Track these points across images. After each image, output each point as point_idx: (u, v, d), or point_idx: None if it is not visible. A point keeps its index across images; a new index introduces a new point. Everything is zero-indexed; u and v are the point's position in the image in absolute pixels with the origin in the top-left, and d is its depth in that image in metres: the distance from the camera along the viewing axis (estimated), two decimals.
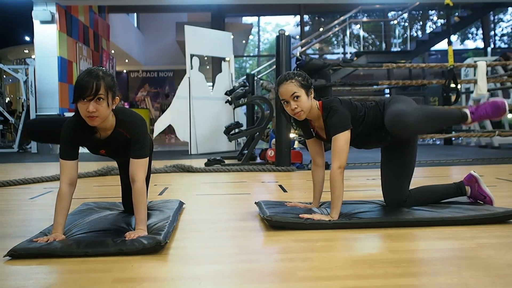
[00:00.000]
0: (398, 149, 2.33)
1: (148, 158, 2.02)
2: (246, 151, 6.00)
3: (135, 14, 18.96)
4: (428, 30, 18.71)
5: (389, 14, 15.69)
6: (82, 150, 2.07)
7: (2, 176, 4.68)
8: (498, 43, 20.67)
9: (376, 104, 2.33)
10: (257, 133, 5.81)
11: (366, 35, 17.84)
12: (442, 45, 13.79)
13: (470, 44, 22.43)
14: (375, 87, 10.30)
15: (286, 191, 3.44)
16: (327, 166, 3.84)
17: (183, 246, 1.87)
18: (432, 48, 14.55)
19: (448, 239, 1.91)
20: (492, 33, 19.43)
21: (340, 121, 2.18)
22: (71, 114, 2.05)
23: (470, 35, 22.20)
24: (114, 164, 2.88)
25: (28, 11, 8.85)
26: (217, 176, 4.54)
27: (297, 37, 18.29)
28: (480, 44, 19.32)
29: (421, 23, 20.91)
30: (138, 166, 1.96)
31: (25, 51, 15.20)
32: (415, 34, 19.84)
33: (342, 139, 2.17)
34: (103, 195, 3.26)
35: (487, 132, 6.99)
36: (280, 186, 3.74)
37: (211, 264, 1.63)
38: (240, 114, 8.38)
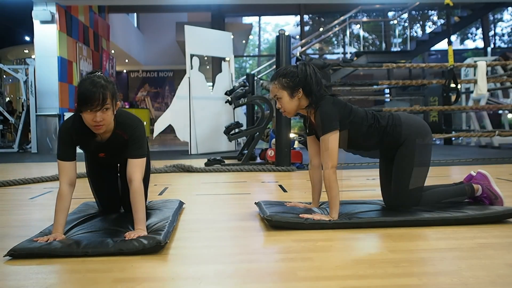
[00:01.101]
0: (398, 152, 2.29)
1: (145, 158, 2.02)
2: (246, 151, 6.00)
3: (135, 14, 18.97)
4: (428, 30, 18.71)
5: (389, 14, 15.69)
6: (80, 150, 2.07)
7: (2, 176, 4.68)
8: (498, 43, 20.69)
9: (387, 129, 2.26)
10: (257, 133, 5.81)
11: (366, 35, 17.85)
12: (442, 45, 13.80)
13: (470, 44, 22.45)
14: (375, 87, 10.30)
15: (286, 191, 3.44)
16: None
17: (183, 246, 1.87)
18: (432, 48, 14.56)
19: (448, 239, 1.91)
20: (492, 33, 19.45)
21: (326, 121, 2.17)
22: (71, 114, 2.05)
23: (470, 35, 22.21)
24: None
25: (28, 11, 8.85)
26: (217, 176, 4.54)
27: (297, 37, 18.31)
28: (480, 44, 19.34)
29: (421, 23, 20.93)
30: (135, 166, 1.96)
31: (25, 51, 15.21)
32: (415, 34, 19.85)
33: (330, 139, 2.16)
34: None
35: (487, 132, 7.00)
36: (280, 186, 3.74)
37: (211, 264, 1.63)
38: (240, 114, 8.37)
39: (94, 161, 2.29)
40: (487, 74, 6.63)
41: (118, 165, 2.38)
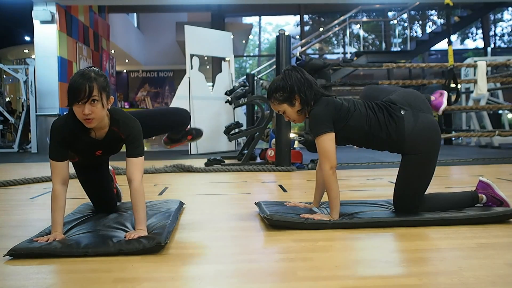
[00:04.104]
0: (402, 159, 2.24)
1: (143, 157, 2.01)
2: (246, 151, 6.00)
3: (135, 14, 18.97)
4: (428, 30, 18.71)
5: (389, 14, 15.69)
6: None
7: (2, 176, 4.68)
8: (498, 43, 20.69)
9: (384, 144, 2.19)
10: (257, 133, 5.81)
11: (366, 35, 17.84)
12: (442, 45, 13.80)
13: (470, 44, 22.44)
14: None
15: (286, 191, 3.44)
16: None
17: (183, 246, 1.87)
18: (432, 48, 14.55)
19: (448, 239, 1.91)
20: (492, 32, 19.45)
21: (317, 124, 2.15)
22: None
23: (470, 35, 22.21)
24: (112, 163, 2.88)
25: (28, 11, 8.86)
26: (217, 176, 4.54)
27: (297, 37, 18.29)
28: (480, 43, 19.33)
29: (421, 23, 20.93)
30: (134, 165, 1.96)
31: (25, 51, 15.21)
32: (415, 34, 19.85)
33: (324, 141, 2.14)
34: None
35: (487, 132, 6.99)
36: (280, 186, 3.74)
37: (211, 264, 1.63)
38: (240, 114, 8.37)
39: (83, 166, 2.27)
40: (487, 74, 6.63)
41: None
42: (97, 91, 1.82)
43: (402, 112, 2.18)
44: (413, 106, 2.21)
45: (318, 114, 2.17)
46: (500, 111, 9.38)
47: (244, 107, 7.76)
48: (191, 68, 7.55)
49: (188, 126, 2.67)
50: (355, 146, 2.37)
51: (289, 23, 25.83)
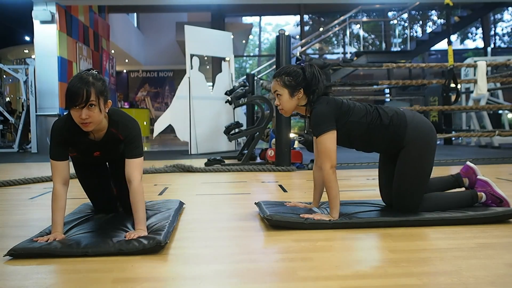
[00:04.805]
0: (401, 154, 2.24)
1: (143, 157, 2.02)
2: (246, 151, 6.00)
3: (135, 14, 18.98)
4: (428, 30, 18.71)
5: (389, 14, 15.69)
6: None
7: (2, 176, 4.68)
8: (498, 43, 20.69)
9: (389, 128, 2.19)
10: (257, 133, 5.81)
11: (366, 35, 17.85)
12: (442, 45, 13.80)
13: (470, 44, 22.45)
14: (375, 87, 10.30)
15: (286, 191, 3.44)
16: None
17: (183, 246, 1.87)
18: (432, 48, 14.56)
19: (448, 239, 1.92)
20: (492, 32, 19.45)
21: (320, 122, 2.16)
22: None
23: (470, 35, 22.21)
24: None
25: (28, 11, 8.85)
26: (217, 176, 4.54)
27: (297, 37, 18.30)
28: (480, 43, 19.34)
29: (421, 23, 20.93)
30: (134, 166, 1.96)
31: (25, 51, 15.21)
32: (415, 34, 19.85)
33: (326, 140, 2.14)
34: None
35: (487, 132, 7.00)
36: (280, 186, 3.74)
37: (211, 264, 1.63)
38: (240, 114, 8.38)
39: (82, 164, 2.27)
40: (487, 74, 6.64)
41: (107, 163, 2.37)
42: (95, 96, 1.82)
43: (402, 109, 2.29)
44: (410, 110, 2.35)
45: (321, 113, 2.17)
46: (500, 111, 9.38)
47: (244, 107, 7.76)
48: (191, 68, 7.55)
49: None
50: (355, 149, 2.37)
51: (289, 23, 25.86)
